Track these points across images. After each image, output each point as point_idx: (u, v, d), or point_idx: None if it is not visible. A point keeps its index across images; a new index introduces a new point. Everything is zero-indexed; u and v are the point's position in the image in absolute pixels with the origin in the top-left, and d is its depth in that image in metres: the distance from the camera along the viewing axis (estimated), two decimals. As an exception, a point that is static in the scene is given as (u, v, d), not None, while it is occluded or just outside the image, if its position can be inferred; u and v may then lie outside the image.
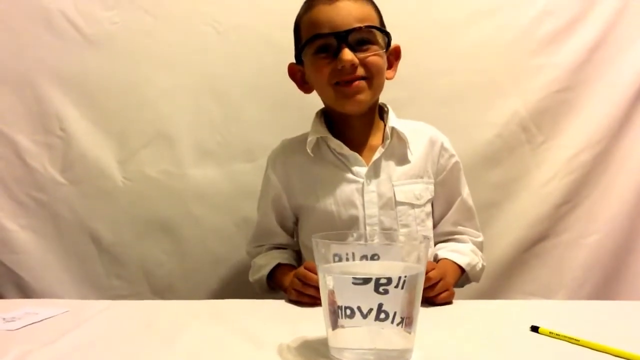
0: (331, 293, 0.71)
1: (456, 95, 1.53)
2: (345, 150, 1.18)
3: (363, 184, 1.17)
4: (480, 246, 1.26)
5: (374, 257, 0.73)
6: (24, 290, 1.48)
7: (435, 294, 1.00)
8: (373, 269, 0.72)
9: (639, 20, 1.51)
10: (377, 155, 1.17)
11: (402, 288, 0.69)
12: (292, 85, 1.41)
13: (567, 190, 1.50)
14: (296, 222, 1.29)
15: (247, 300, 1.04)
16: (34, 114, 1.51)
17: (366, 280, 0.69)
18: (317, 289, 0.95)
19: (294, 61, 1.23)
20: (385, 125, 1.20)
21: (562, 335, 0.79)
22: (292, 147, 1.26)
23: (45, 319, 0.93)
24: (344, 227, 1.16)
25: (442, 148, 1.23)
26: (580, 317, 0.93)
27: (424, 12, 1.52)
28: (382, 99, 1.23)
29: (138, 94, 1.53)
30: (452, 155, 1.25)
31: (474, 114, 1.52)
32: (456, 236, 1.25)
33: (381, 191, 1.17)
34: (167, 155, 1.53)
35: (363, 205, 1.16)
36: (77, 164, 1.51)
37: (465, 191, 1.26)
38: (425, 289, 0.93)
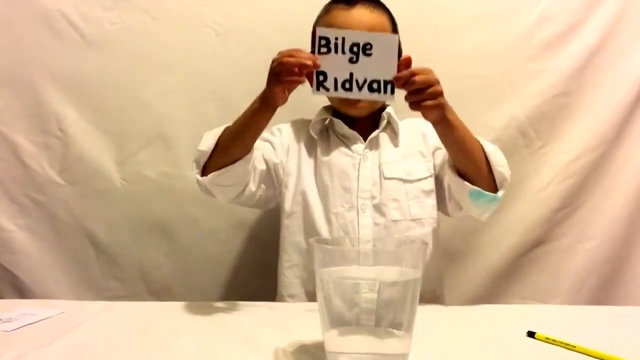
0: (328, 297, 0.71)
1: (454, 100, 1.49)
2: (345, 129, 1.24)
3: (360, 159, 1.21)
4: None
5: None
6: (21, 291, 1.48)
7: (417, 99, 0.98)
8: (369, 274, 0.72)
9: (637, 25, 1.51)
10: (373, 134, 1.24)
11: (398, 292, 0.69)
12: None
13: (565, 195, 1.50)
14: (271, 180, 1.26)
15: (244, 302, 1.05)
16: (32, 114, 1.51)
17: (361, 284, 0.69)
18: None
19: None
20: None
21: (558, 341, 0.79)
22: (303, 124, 1.30)
23: (42, 320, 0.93)
24: (338, 198, 1.20)
25: (427, 128, 1.24)
26: (577, 323, 0.93)
27: (423, 17, 1.52)
28: (381, 102, 1.24)
29: (137, 95, 1.52)
30: None
31: (472, 119, 1.49)
32: None
33: (375, 167, 1.21)
34: (165, 157, 1.53)
35: (357, 178, 1.20)
36: (76, 164, 1.51)
37: None
38: (411, 93, 0.96)
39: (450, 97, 1.51)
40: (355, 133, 1.24)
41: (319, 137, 1.27)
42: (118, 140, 1.53)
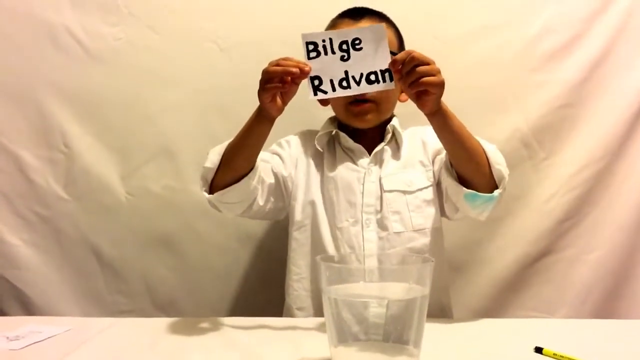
0: (336, 314, 0.72)
1: (458, 112, 1.49)
2: (351, 143, 1.24)
3: (365, 173, 1.21)
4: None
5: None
6: (26, 306, 1.48)
7: (416, 77, 0.95)
8: (376, 291, 0.72)
9: (639, 37, 1.51)
10: (378, 148, 1.23)
11: (406, 309, 0.70)
12: (295, 100, 1.42)
13: (569, 207, 1.50)
14: (281, 193, 1.26)
15: (251, 317, 1.04)
16: (37, 129, 1.52)
17: (369, 302, 0.70)
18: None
19: None
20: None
21: (566, 357, 0.79)
22: (311, 136, 1.30)
23: (49, 337, 0.93)
24: (343, 213, 1.20)
25: (432, 135, 1.22)
26: (584, 337, 0.93)
27: (425, 29, 1.52)
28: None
29: (141, 110, 1.53)
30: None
31: (475, 130, 1.49)
32: None
33: (379, 180, 1.21)
34: (170, 171, 1.53)
35: (362, 193, 1.20)
36: (80, 179, 1.51)
37: None
38: (407, 75, 0.94)
39: (454, 109, 1.51)
40: (360, 147, 1.24)
41: (325, 150, 1.27)
42: (122, 154, 1.53)
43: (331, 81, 0.95)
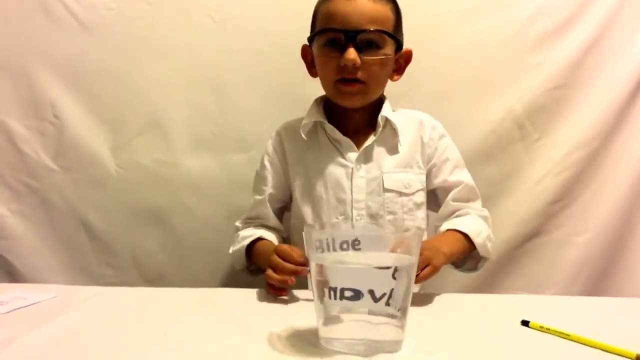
0: (323, 282, 0.71)
1: (451, 92, 1.52)
2: (338, 135, 1.20)
3: (353, 168, 1.19)
4: (486, 220, 1.22)
5: (355, 243, 0.72)
6: (14, 276, 1.48)
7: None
8: (364, 259, 0.72)
9: (634, 19, 1.51)
10: (368, 142, 1.19)
11: (393, 277, 0.69)
12: (287, 75, 1.42)
13: (560, 188, 1.50)
14: (288, 203, 1.30)
15: (238, 289, 1.04)
16: (27, 99, 1.50)
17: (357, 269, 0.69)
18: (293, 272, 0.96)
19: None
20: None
21: (552, 330, 0.79)
22: (292, 128, 1.28)
23: (34, 303, 0.93)
24: (332, 210, 1.19)
25: (430, 137, 1.24)
26: (571, 313, 0.93)
27: (420, 9, 1.50)
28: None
29: (133, 82, 1.52)
30: (442, 136, 1.26)
31: (469, 111, 1.52)
32: (458, 212, 1.23)
33: (370, 177, 1.19)
34: (160, 144, 1.52)
35: (351, 189, 1.18)
36: (70, 151, 1.51)
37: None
38: None
39: (448, 89, 1.52)
40: (347, 140, 1.20)
41: (310, 139, 1.22)
42: (113, 126, 1.52)
43: None
